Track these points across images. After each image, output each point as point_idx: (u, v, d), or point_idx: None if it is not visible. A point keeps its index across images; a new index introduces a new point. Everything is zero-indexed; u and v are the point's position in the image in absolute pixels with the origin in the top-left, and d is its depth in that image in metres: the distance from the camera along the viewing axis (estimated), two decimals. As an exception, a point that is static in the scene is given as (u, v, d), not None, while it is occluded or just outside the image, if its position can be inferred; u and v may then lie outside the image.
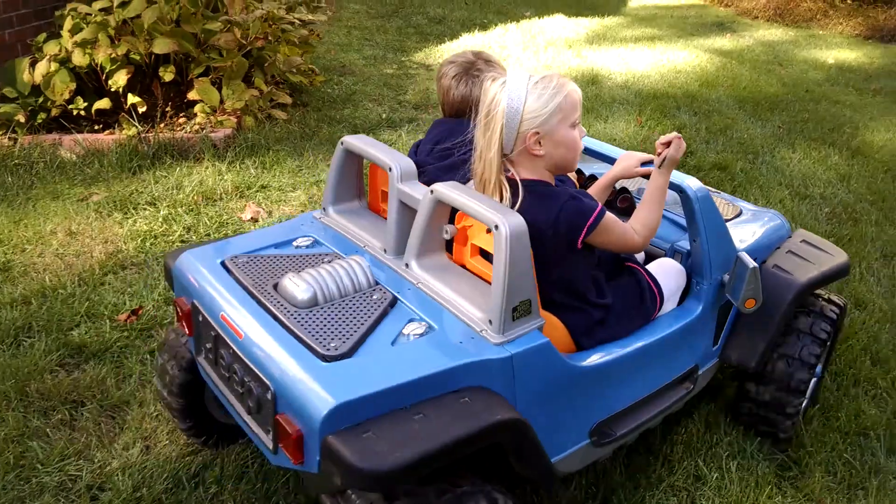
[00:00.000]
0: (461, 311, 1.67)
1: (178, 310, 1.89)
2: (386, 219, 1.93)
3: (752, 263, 1.95)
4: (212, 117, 4.42)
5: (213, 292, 1.76)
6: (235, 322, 1.64)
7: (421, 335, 1.61)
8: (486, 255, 1.75)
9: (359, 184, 2.17)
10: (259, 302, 1.70)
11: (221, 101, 4.43)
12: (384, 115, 5.38)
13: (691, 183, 2.02)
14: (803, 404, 2.29)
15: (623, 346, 1.89)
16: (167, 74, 4.29)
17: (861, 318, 2.95)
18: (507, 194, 1.73)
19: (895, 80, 7.30)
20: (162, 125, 4.40)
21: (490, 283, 1.62)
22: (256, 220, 3.63)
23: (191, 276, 1.84)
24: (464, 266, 1.83)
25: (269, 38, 4.61)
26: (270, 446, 1.56)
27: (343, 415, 1.39)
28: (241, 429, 1.81)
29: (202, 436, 2.15)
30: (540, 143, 1.73)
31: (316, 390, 1.42)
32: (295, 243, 1.99)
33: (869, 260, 3.47)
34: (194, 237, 3.43)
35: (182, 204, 3.69)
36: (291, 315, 1.64)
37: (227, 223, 3.58)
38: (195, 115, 4.44)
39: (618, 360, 1.86)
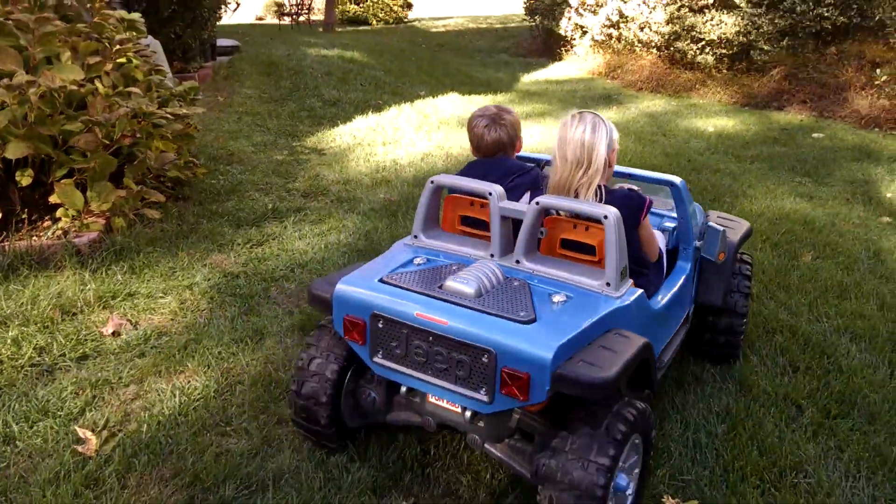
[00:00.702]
0: (579, 282, 2.27)
1: (349, 325, 2.29)
2: (466, 235, 2.61)
3: (720, 228, 2.82)
4: (76, 221, 4.14)
5: (399, 300, 2.21)
6: (435, 315, 2.11)
7: (566, 301, 2.19)
8: (568, 245, 2.43)
9: (437, 214, 2.65)
10: (439, 299, 2.18)
11: (87, 204, 4.17)
12: (270, 206, 5.21)
13: (676, 179, 2.84)
14: (744, 326, 3.21)
15: (666, 293, 2.69)
16: (24, 178, 4.00)
17: (745, 404, 2.92)
18: (595, 197, 2.43)
19: (770, 146, 7.67)
20: (21, 232, 4.09)
21: (579, 264, 2.37)
22: (119, 335, 3.36)
23: (365, 293, 2.28)
24: (552, 255, 2.45)
25: (139, 135, 4.40)
26: (486, 399, 2.05)
27: (560, 355, 1.97)
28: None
29: (336, 443, 2.54)
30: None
31: (537, 343, 1.98)
32: (415, 262, 2.46)
33: (751, 337, 3.48)
34: (47, 359, 3.12)
35: (36, 321, 3.38)
36: (472, 303, 2.15)
37: (85, 340, 3.29)
38: (58, 219, 4.16)
39: (668, 303, 2.67)
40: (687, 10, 10.89)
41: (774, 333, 3.51)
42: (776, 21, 9.64)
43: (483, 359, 2.03)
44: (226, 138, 7.00)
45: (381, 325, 2.23)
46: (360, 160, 6.59)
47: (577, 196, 2.42)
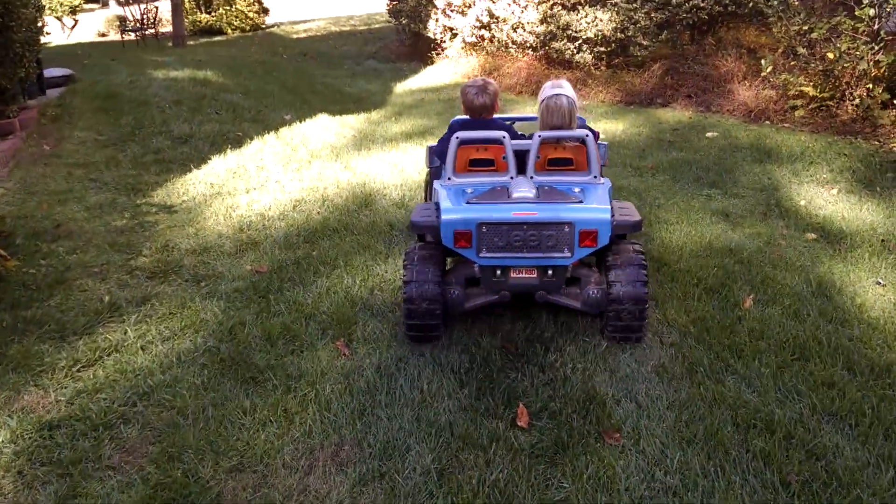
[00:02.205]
0: (578, 181, 3.52)
1: (458, 236, 3.28)
2: (474, 173, 3.61)
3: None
4: None
5: (494, 210, 3.26)
6: (526, 211, 3.24)
7: (582, 191, 3.42)
8: (552, 163, 3.59)
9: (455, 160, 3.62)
10: (519, 202, 3.29)
11: None
12: (106, 298, 4.17)
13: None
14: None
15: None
16: None
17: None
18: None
19: (666, 151, 7.24)
20: None
21: (564, 172, 3.57)
22: None
23: (468, 213, 3.28)
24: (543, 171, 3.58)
25: None
26: (569, 254, 3.27)
27: (610, 216, 3.26)
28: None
29: (440, 333, 3.55)
30: None
31: (597, 211, 3.26)
32: (467, 191, 3.46)
33: (725, 443, 2.85)
34: None
35: None
36: (538, 200, 3.31)
37: None
38: None
39: None
40: (560, 7, 10.40)
41: (749, 430, 2.88)
42: (652, 15, 9.29)
43: (565, 229, 3.21)
44: (52, 203, 5.80)
45: (484, 230, 3.24)
46: (219, 216, 5.58)
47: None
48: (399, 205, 5.67)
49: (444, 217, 3.29)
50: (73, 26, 24.47)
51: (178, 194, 6.14)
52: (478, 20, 11.58)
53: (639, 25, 9.48)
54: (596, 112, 9.14)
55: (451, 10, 12.20)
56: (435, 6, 12.56)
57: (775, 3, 7.92)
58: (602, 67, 10.33)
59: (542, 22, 10.57)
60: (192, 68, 12.21)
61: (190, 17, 22.34)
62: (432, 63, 13.55)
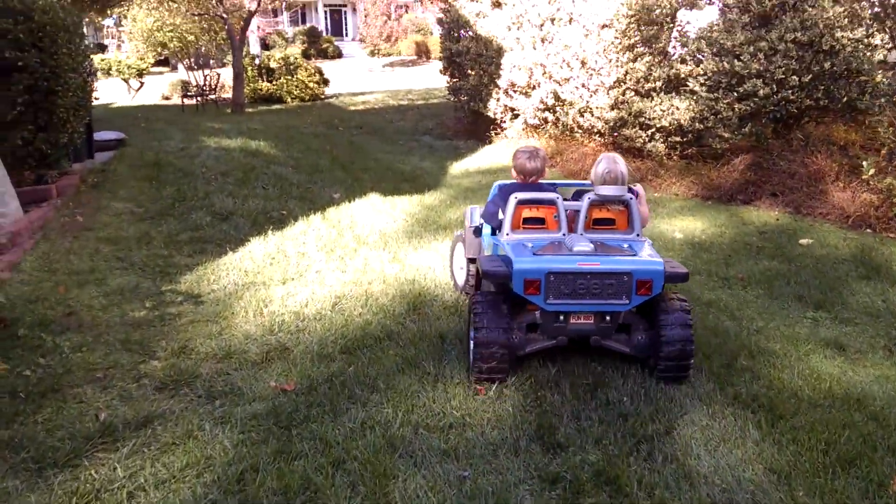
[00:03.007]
0: (623, 238, 3.93)
1: (528, 284, 3.59)
2: (527, 229, 4.02)
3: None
4: None
5: (562, 261, 3.60)
6: (590, 262, 3.58)
7: (629, 246, 3.82)
8: (596, 223, 4.02)
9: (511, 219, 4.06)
10: (581, 255, 3.64)
11: None
12: (102, 416, 3.50)
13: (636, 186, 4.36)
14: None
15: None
16: None
17: None
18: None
19: (756, 258, 6.41)
20: None
21: (607, 230, 4.01)
22: None
23: (538, 263, 3.60)
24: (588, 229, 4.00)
25: None
26: (626, 301, 3.61)
27: (663, 268, 3.65)
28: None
29: (507, 374, 3.79)
30: None
31: (652, 263, 3.65)
32: (528, 245, 3.81)
33: None
34: None
35: None
36: (597, 253, 3.67)
37: None
38: None
39: None
40: (633, 94, 9.79)
41: None
42: (736, 106, 8.57)
43: (624, 278, 3.58)
44: (69, 285, 5.23)
45: (552, 279, 3.58)
46: (249, 312, 4.93)
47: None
48: (453, 310, 4.94)
49: (516, 266, 3.60)
50: (139, 88, 24.96)
51: (208, 281, 5.53)
52: (542, 102, 11.05)
53: (720, 116, 8.76)
54: (670, 206, 8.38)
55: (515, 91, 11.73)
56: (497, 86, 12.12)
57: (882, 100, 7.14)
58: (675, 158, 9.61)
59: (612, 108, 9.96)
60: (245, 137, 11.94)
61: (251, 84, 22.56)
62: (490, 143, 13.06)
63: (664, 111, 9.21)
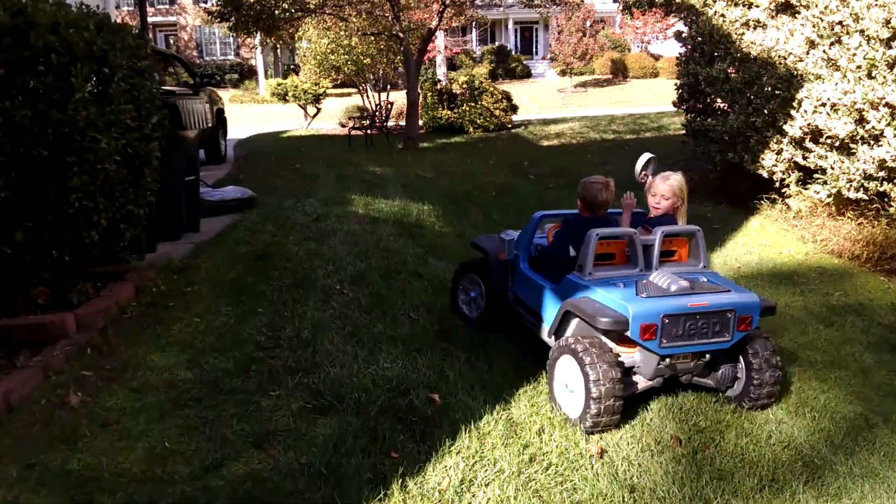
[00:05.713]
0: (694, 271, 3.90)
1: (644, 329, 3.49)
2: (598, 266, 3.87)
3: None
4: None
5: (673, 304, 3.52)
6: (699, 301, 3.55)
7: (708, 280, 3.79)
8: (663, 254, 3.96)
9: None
10: (685, 294, 3.57)
11: None
12: None
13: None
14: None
15: None
16: None
17: None
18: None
19: None
20: None
21: (673, 262, 4.05)
22: None
23: (653, 306, 3.51)
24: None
25: None
26: (728, 338, 3.63)
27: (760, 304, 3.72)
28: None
29: (614, 426, 3.63)
30: None
31: (749, 298, 3.69)
32: (619, 286, 3.70)
33: None
34: None
35: None
36: (697, 293, 3.60)
37: None
38: None
39: None
40: None
41: None
42: None
43: (728, 315, 3.60)
44: None
45: (666, 321, 3.51)
46: None
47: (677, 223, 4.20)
48: None
49: (633, 311, 3.48)
50: (315, 115, 23.06)
51: None
52: (878, 162, 6.76)
53: None
54: None
55: (819, 143, 7.51)
56: (780, 131, 7.96)
57: None
58: None
59: None
60: (406, 195, 8.81)
61: (429, 113, 19.73)
62: (755, 212, 8.87)
63: None
